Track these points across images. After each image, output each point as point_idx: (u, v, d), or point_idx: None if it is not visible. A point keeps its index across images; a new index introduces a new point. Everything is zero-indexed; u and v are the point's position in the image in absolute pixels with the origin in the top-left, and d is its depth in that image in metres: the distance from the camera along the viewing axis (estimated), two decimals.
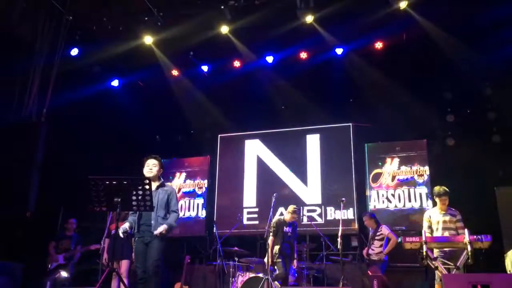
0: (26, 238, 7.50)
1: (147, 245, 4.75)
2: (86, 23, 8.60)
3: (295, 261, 7.01)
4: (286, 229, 6.98)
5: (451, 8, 7.61)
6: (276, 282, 6.51)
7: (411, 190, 8.49)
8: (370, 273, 6.65)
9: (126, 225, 4.78)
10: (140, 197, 4.12)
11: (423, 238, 5.06)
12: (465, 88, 8.27)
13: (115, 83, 9.96)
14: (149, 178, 4.38)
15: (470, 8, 7.48)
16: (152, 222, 4.73)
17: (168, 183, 5.15)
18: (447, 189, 5.91)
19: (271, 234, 6.82)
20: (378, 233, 7.15)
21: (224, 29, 8.40)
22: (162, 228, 4.68)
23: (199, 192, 9.88)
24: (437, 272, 5.30)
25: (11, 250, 6.98)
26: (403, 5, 7.64)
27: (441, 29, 7.86)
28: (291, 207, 7.12)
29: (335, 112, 9.32)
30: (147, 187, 4.09)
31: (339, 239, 6.81)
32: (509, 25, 7.34)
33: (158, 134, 10.62)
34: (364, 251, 7.32)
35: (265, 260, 6.76)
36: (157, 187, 4.91)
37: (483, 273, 4.39)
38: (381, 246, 7.08)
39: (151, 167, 4.93)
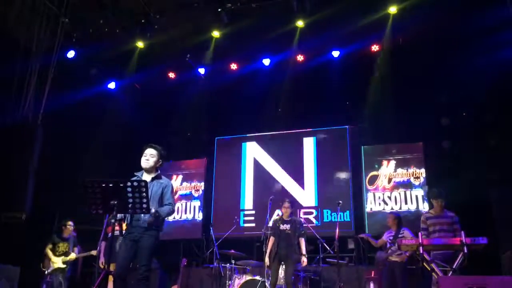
0: (22, 240, 7.47)
1: (136, 242, 4.41)
2: (83, 25, 8.60)
3: (304, 258, 6.52)
4: (282, 226, 6.64)
5: (447, 11, 7.66)
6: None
7: (408, 193, 8.51)
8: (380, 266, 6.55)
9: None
10: (136, 199, 4.09)
11: (420, 241, 5.07)
12: (460, 91, 8.30)
13: (111, 85, 9.94)
14: (145, 181, 4.28)
15: (466, 11, 7.53)
16: (142, 216, 4.39)
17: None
18: (443, 191, 5.93)
19: (269, 234, 6.77)
20: (399, 235, 6.79)
21: (221, 32, 8.41)
22: (147, 217, 4.34)
23: (196, 195, 9.87)
24: (433, 275, 5.31)
25: (7, 253, 6.96)
26: (393, 10, 7.80)
27: (437, 32, 7.91)
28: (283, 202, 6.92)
29: (332, 115, 9.33)
30: (143, 189, 4.06)
31: (335, 242, 6.80)
32: (505, 28, 7.38)
33: (155, 137, 10.59)
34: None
35: (266, 260, 6.66)
36: (152, 179, 4.60)
37: (479, 276, 4.39)
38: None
39: (148, 157, 4.68)
